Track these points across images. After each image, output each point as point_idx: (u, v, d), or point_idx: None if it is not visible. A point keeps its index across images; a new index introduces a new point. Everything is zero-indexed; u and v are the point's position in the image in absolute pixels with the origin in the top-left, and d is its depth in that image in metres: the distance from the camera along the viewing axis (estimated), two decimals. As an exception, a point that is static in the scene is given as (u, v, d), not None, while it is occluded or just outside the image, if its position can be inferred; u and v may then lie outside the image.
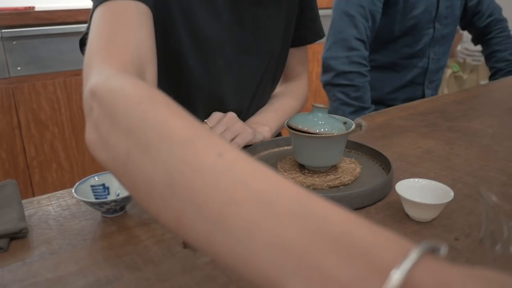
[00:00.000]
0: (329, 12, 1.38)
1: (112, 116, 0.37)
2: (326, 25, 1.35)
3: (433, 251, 0.23)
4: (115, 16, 0.55)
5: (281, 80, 0.99)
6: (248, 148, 0.74)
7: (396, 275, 0.21)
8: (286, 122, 0.67)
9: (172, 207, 0.30)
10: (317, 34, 0.99)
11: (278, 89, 0.99)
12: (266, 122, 0.84)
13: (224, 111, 0.78)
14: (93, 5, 0.58)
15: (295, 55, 0.98)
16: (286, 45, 0.92)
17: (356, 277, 0.22)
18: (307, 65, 1.04)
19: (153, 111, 0.35)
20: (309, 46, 1.01)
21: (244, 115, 0.86)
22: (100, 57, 0.49)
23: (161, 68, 0.69)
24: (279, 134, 0.97)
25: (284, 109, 0.91)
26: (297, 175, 0.65)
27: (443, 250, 0.24)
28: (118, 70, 0.46)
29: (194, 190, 0.29)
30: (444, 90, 2.92)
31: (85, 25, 0.66)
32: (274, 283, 0.24)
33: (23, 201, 0.60)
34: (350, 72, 1.26)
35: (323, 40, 1.35)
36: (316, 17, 0.98)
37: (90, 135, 0.40)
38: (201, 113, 0.81)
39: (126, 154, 0.34)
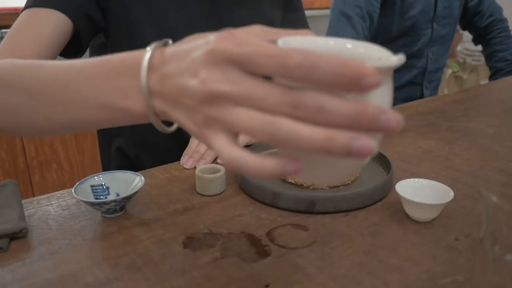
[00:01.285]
0: (328, 12, 1.38)
1: None
2: (325, 25, 1.35)
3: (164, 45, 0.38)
4: (23, 20, 0.67)
5: None
6: (248, 147, 0.74)
7: (144, 63, 0.36)
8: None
9: (39, 112, 0.44)
10: None
11: None
12: None
13: None
14: (22, 8, 0.70)
15: None
16: None
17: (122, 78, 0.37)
18: None
19: (12, 63, 0.49)
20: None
21: None
22: None
23: None
24: None
25: None
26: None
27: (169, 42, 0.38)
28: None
29: (47, 92, 0.42)
30: (444, 90, 2.92)
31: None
32: (113, 108, 0.38)
33: (23, 201, 0.60)
34: None
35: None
36: (302, 18, 0.98)
37: None
38: None
39: None
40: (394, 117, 0.27)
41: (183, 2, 0.78)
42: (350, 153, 0.27)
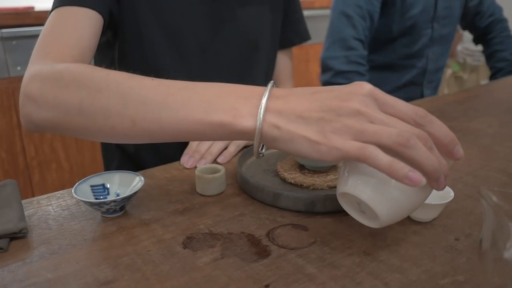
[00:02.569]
0: (329, 12, 1.38)
1: (60, 83, 0.52)
2: (326, 25, 1.35)
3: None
4: (62, 20, 0.66)
5: None
6: (248, 148, 0.74)
7: (266, 91, 0.43)
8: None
9: (128, 116, 0.47)
10: (302, 36, 1.00)
11: None
12: None
13: None
14: (51, 8, 0.68)
15: (281, 59, 0.99)
16: (274, 39, 0.93)
17: (247, 99, 0.43)
18: (293, 74, 1.05)
19: (96, 70, 0.51)
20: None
21: None
22: (42, 53, 0.61)
23: (135, 57, 0.80)
24: None
25: None
26: (297, 175, 0.65)
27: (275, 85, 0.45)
28: (57, 61, 0.58)
29: (143, 98, 0.46)
30: (444, 90, 2.92)
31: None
32: (211, 122, 0.44)
33: (23, 201, 0.60)
34: (349, 71, 1.26)
35: (323, 40, 1.35)
36: (300, 19, 1.00)
37: (28, 109, 0.54)
38: None
39: (80, 101, 0.49)
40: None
41: (187, 1, 0.79)
42: (440, 178, 0.40)
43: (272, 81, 0.45)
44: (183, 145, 0.77)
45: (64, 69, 0.54)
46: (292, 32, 0.98)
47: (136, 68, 0.80)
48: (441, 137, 0.40)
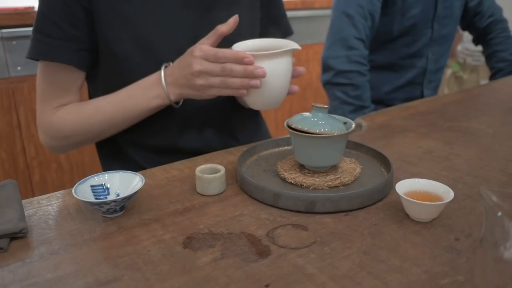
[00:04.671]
0: (329, 12, 1.38)
1: (59, 137, 0.83)
2: (326, 25, 1.35)
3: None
4: (48, 76, 0.82)
5: None
6: (248, 148, 0.74)
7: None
8: (286, 122, 0.67)
9: (113, 128, 0.82)
10: (285, 31, 1.00)
11: None
12: None
13: (191, 103, 0.80)
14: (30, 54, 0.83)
15: None
16: (253, 38, 0.94)
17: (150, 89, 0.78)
18: None
19: (85, 108, 0.81)
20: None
21: (226, 111, 0.89)
22: (38, 112, 0.84)
23: (110, 72, 0.84)
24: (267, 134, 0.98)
25: None
26: (297, 175, 0.65)
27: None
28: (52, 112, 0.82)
29: (112, 116, 0.79)
30: (444, 90, 2.92)
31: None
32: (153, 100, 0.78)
33: (23, 201, 0.60)
34: (350, 71, 1.26)
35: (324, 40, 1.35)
36: (283, 16, 1.00)
37: (52, 150, 0.88)
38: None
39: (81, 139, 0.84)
40: (261, 70, 0.67)
41: (158, 10, 0.78)
42: (250, 85, 0.68)
43: (162, 66, 0.77)
44: (184, 146, 0.76)
45: (56, 124, 0.81)
46: (274, 28, 0.97)
47: (110, 82, 0.81)
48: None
